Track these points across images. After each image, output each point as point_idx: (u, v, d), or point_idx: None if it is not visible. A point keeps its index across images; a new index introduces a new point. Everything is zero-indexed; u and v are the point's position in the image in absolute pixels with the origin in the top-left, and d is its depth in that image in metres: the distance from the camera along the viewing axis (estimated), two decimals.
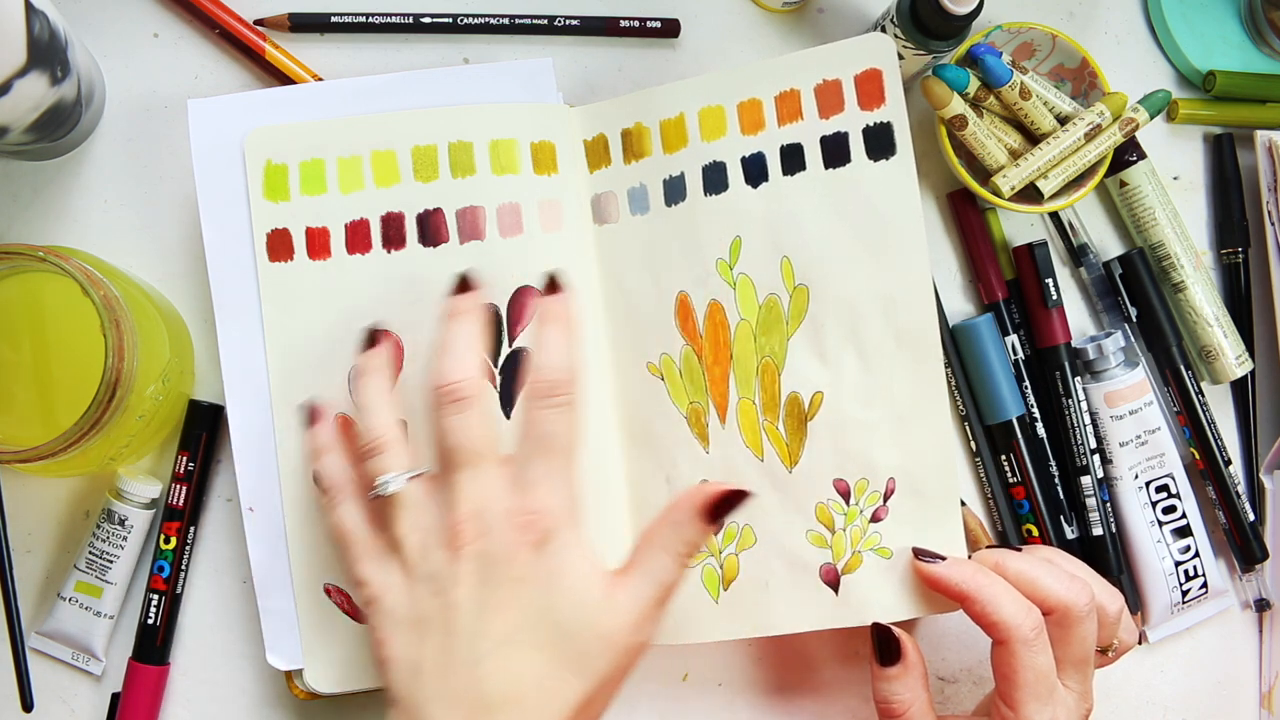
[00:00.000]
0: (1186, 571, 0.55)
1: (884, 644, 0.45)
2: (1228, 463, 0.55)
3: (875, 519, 0.48)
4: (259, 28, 0.53)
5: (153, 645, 0.50)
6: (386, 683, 0.41)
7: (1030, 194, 0.53)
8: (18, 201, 0.52)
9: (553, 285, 0.45)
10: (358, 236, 0.49)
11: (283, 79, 0.52)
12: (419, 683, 0.39)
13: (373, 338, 0.46)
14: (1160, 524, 0.55)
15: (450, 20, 0.54)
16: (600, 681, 0.40)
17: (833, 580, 0.48)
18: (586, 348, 0.50)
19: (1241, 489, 0.56)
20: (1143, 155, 0.56)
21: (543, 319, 0.44)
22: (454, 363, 0.42)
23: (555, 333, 0.43)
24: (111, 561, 0.50)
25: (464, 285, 0.45)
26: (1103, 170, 0.53)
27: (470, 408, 0.41)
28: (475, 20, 0.54)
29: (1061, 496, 0.54)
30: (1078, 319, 0.57)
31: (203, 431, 0.51)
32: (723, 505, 0.41)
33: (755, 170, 0.49)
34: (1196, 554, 0.55)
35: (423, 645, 0.40)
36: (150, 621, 0.50)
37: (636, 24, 0.55)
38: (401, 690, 0.40)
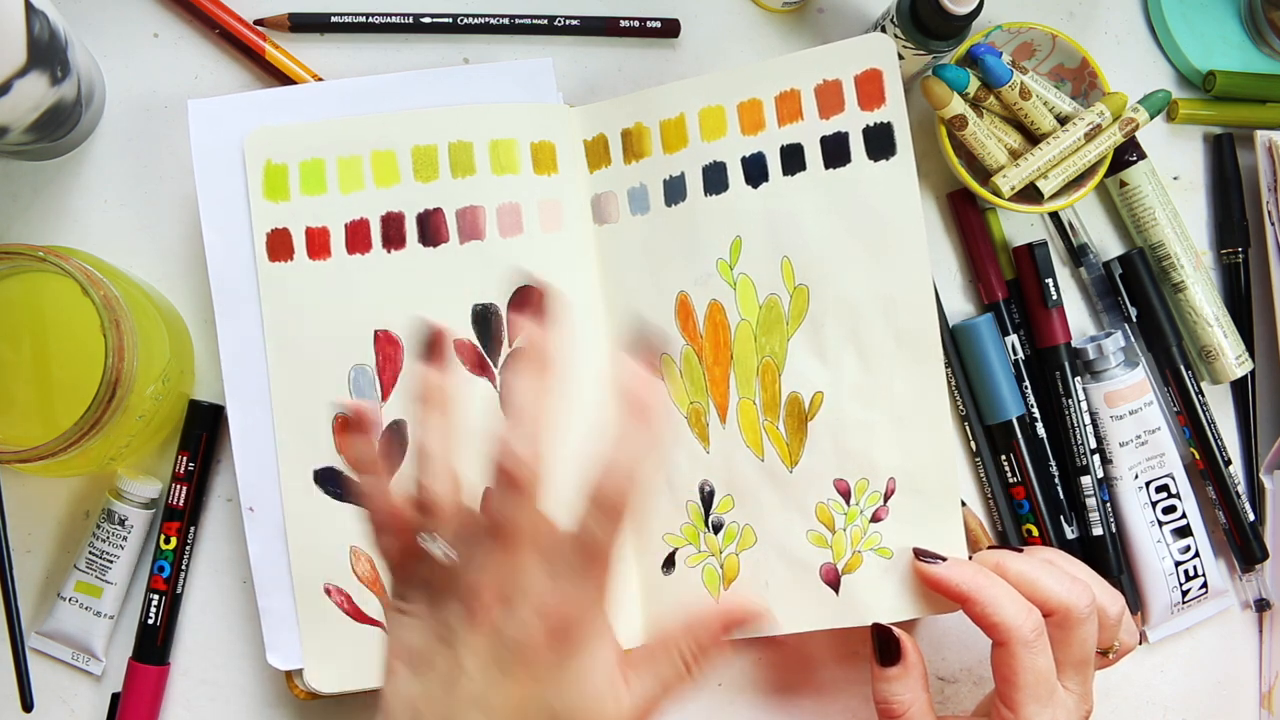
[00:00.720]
0: (1186, 571, 0.55)
1: (884, 644, 0.45)
2: (1228, 463, 0.55)
3: (875, 519, 0.48)
4: (259, 28, 0.53)
5: (153, 645, 0.50)
6: (383, 705, 0.39)
7: (1030, 194, 0.53)
8: (18, 201, 0.52)
9: (528, 299, 0.40)
10: (358, 236, 0.49)
11: (283, 79, 0.52)
12: None
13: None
14: (1160, 524, 0.55)
15: (450, 20, 0.54)
16: None
17: (833, 580, 0.48)
18: (587, 348, 0.50)
19: (1241, 489, 0.56)
20: (1143, 155, 0.56)
21: (512, 403, 0.38)
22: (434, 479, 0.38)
23: (526, 421, 0.38)
24: (111, 561, 0.50)
25: (433, 349, 0.39)
26: (1103, 170, 0.53)
27: (520, 492, 0.38)
28: (475, 20, 0.54)
29: (1061, 496, 0.54)
30: (1078, 319, 0.57)
31: (203, 431, 0.51)
32: (745, 623, 0.40)
33: (755, 170, 0.49)
34: (1196, 554, 0.55)
35: (425, 690, 0.38)
36: (150, 621, 0.50)
37: (636, 24, 0.55)
38: None
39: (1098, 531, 0.54)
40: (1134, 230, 0.57)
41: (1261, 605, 0.57)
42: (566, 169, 0.51)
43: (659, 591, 0.49)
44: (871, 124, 0.48)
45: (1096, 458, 0.54)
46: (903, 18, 0.49)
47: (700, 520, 0.50)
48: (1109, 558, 0.54)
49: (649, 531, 0.50)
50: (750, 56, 0.56)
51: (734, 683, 0.54)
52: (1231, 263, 0.58)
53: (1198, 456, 0.56)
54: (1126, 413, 0.54)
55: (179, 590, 0.51)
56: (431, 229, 0.49)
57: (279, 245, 0.49)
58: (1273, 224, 0.56)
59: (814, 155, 0.48)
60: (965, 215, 0.55)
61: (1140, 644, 0.56)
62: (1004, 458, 0.54)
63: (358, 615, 0.48)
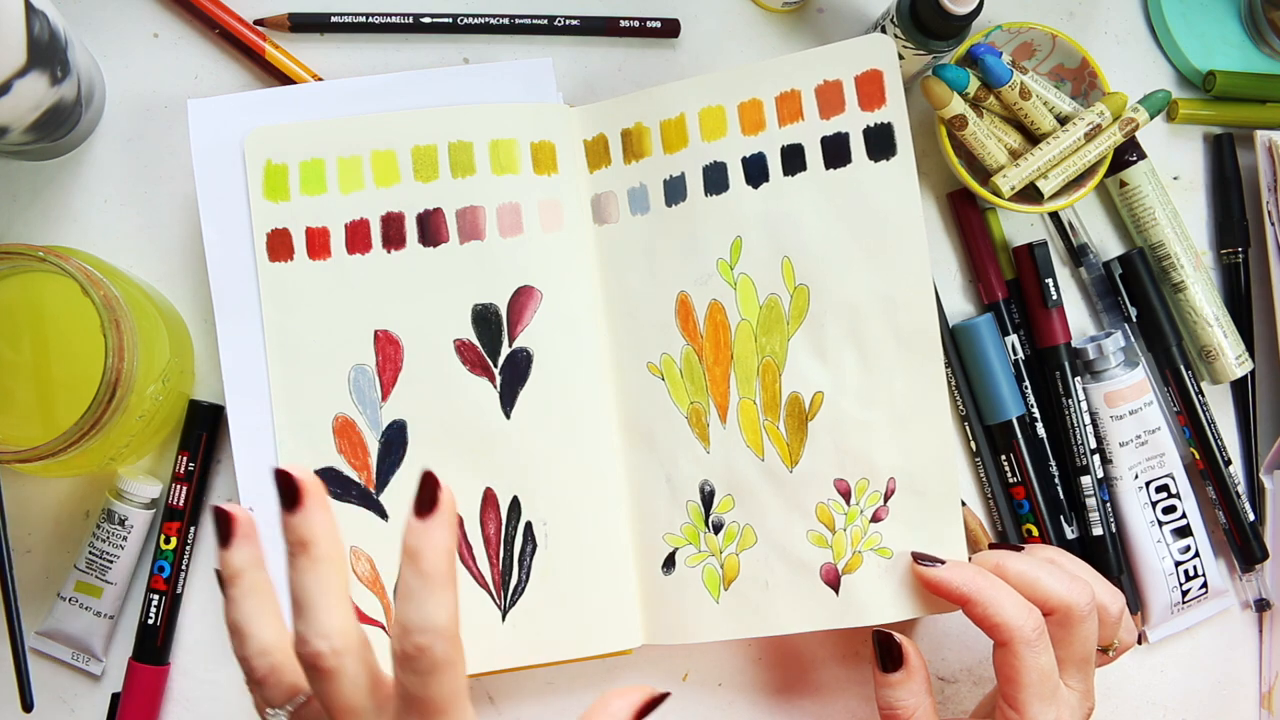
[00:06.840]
0: (1186, 571, 0.55)
1: (886, 650, 0.45)
2: (1228, 463, 0.55)
3: (876, 519, 0.48)
4: (259, 28, 0.53)
5: (153, 645, 0.50)
6: None
7: (1030, 194, 0.53)
8: (18, 201, 0.52)
9: (426, 501, 0.34)
10: (358, 236, 0.49)
11: (283, 79, 0.52)
12: None
13: (224, 523, 0.36)
14: (1160, 524, 0.55)
15: (450, 20, 0.54)
16: None
17: (833, 580, 0.48)
18: (587, 348, 0.50)
19: (1241, 489, 0.56)
20: (1143, 155, 0.56)
21: (412, 558, 0.34)
22: (312, 624, 0.35)
23: (424, 585, 0.34)
24: (111, 561, 0.50)
25: (290, 498, 0.35)
26: (1103, 170, 0.53)
27: (331, 678, 0.35)
28: (475, 20, 0.54)
29: (1061, 496, 0.54)
30: (1078, 319, 0.57)
31: (203, 431, 0.50)
32: (646, 711, 0.37)
33: (756, 170, 0.49)
34: (1196, 554, 0.55)
35: None
36: (150, 621, 0.50)
37: (636, 24, 0.55)
38: None
39: (1098, 531, 0.54)
40: (1134, 230, 0.57)
41: (1261, 605, 0.57)
42: (566, 169, 0.51)
43: (659, 591, 0.49)
44: (872, 124, 0.48)
45: (1096, 458, 0.54)
46: (903, 18, 0.49)
47: (700, 520, 0.50)
48: (1109, 558, 0.54)
49: (649, 531, 0.50)
50: (750, 56, 0.56)
51: (734, 683, 0.54)
52: (1231, 263, 0.58)
53: (1198, 456, 0.56)
54: (1126, 413, 0.54)
55: (179, 590, 0.51)
56: (431, 229, 0.49)
57: (279, 245, 0.49)
58: (1273, 224, 0.56)
59: (814, 155, 0.48)
60: (965, 215, 0.55)
61: (1140, 644, 0.56)
62: (1004, 458, 0.54)
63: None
